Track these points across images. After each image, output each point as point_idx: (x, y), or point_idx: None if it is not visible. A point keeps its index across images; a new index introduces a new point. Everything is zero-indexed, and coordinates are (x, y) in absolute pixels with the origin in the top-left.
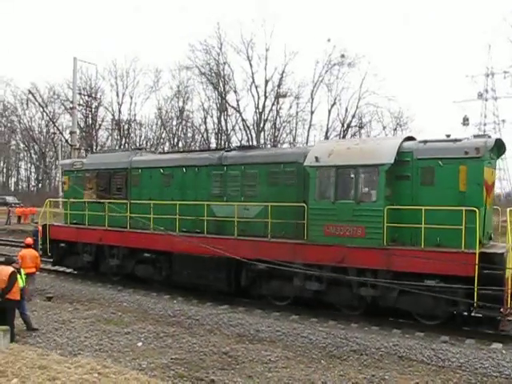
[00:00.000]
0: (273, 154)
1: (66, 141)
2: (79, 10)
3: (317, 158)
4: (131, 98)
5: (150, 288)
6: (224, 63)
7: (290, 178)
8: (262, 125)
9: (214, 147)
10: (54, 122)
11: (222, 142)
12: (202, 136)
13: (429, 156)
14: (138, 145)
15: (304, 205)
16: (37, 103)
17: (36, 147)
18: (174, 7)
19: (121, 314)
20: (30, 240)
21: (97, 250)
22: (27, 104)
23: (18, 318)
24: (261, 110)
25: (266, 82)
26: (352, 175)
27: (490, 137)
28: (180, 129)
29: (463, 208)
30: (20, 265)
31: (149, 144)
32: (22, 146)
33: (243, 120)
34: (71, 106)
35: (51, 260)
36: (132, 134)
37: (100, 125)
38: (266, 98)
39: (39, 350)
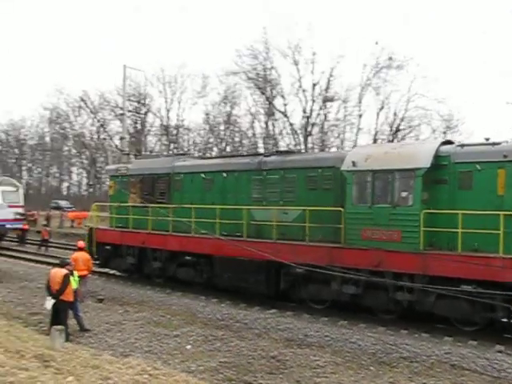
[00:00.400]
0: (311, 159)
1: (116, 146)
2: (128, 18)
3: (354, 163)
4: (179, 103)
5: (198, 291)
6: (271, 68)
7: (327, 182)
8: (309, 129)
9: (262, 152)
10: (104, 128)
11: (270, 147)
12: (250, 141)
13: (466, 160)
14: (186, 150)
15: (341, 209)
16: (88, 110)
17: (87, 153)
18: (221, 13)
19: (170, 317)
20: (82, 243)
21: (140, 253)
22: (79, 111)
23: (72, 319)
24: (308, 114)
25: (314, 85)
26: (389, 179)
27: None
28: (228, 134)
29: (501, 212)
30: (73, 267)
31: (196, 149)
32: (73, 151)
33: (291, 124)
34: (121, 112)
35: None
36: (180, 139)
37: (149, 130)
38: (313, 102)
39: (92, 350)
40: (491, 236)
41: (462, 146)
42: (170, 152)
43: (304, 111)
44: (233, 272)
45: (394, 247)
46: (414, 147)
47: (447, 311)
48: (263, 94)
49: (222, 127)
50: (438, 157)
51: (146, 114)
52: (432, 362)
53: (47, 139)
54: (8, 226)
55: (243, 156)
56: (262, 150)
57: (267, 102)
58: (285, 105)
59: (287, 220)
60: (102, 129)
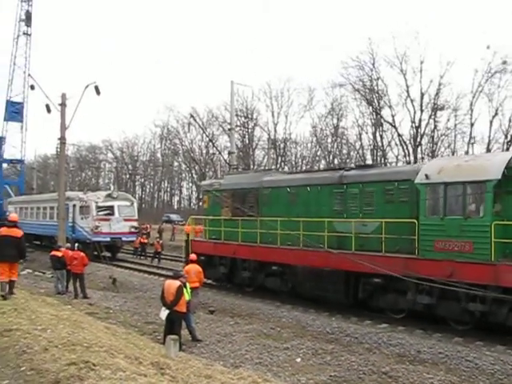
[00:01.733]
0: (388, 173)
1: (225, 160)
2: (235, 34)
3: (427, 176)
4: (286, 117)
5: (308, 305)
6: (377, 78)
7: (403, 195)
8: (418, 139)
9: (370, 163)
10: (213, 143)
11: (378, 159)
12: (358, 153)
13: None
14: (293, 163)
15: (415, 221)
16: (197, 126)
17: (197, 167)
18: (325, 26)
19: (280, 330)
20: (194, 256)
21: (231, 263)
22: (189, 127)
23: (184, 329)
24: (417, 124)
25: (422, 95)
26: (460, 191)
27: None
28: (335, 146)
29: None
30: (186, 279)
31: (304, 162)
32: (183, 166)
33: (399, 135)
34: (229, 127)
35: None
36: (288, 153)
37: (256, 144)
38: (422, 111)
39: (204, 360)
40: None
41: None
42: (278, 166)
43: (413, 121)
44: (314, 281)
45: (466, 258)
46: (485, 159)
47: None
48: (370, 105)
49: (329, 140)
50: (510, 168)
51: (253, 128)
52: None
53: (158, 155)
54: (124, 238)
55: (325, 170)
56: (369, 162)
57: (374, 113)
58: (393, 115)
59: (366, 232)
60: (210, 144)
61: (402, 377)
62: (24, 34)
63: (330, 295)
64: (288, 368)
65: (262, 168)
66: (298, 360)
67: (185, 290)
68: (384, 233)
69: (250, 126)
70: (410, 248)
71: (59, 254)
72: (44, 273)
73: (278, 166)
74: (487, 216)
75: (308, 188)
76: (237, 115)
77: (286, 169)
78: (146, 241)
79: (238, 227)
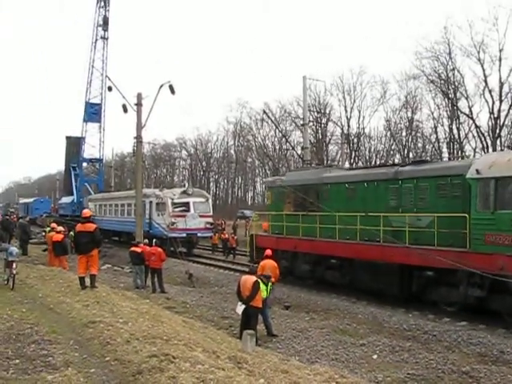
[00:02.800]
0: (441, 168)
1: (299, 156)
2: (304, 28)
3: (478, 171)
4: (359, 111)
5: (384, 301)
6: (453, 69)
7: (456, 189)
8: (497, 131)
9: (425, 159)
10: (286, 139)
11: (455, 152)
12: (433, 146)
13: None
14: (367, 158)
15: (466, 215)
16: (270, 122)
17: (270, 163)
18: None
19: (356, 326)
20: (269, 251)
21: (292, 257)
22: (262, 123)
23: (260, 324)
24: (496, 115)
25: (501, 84)
26: (510, 186)
27: None
28: (410, 139)
29: None
30: (271, 276)
31: (379, 156)
32: (257, 162)
33: (477, 127)
34: (302, 122)
35: None
36: (361, 147)
37: (330, 139)
38: (501, 101)
39: (280, 355)
40: None
41: None
42: (352, 161)
43: (491, 112)
44: (370, 274)
45: None
46: None
47: None
48: (446, 96)
49: (403, 133)
50: None
51: (326, 123)
52: None
53: (232, 152)
54: (199, 234)
55: (381, 166)
56: (446, 155)
57: (450, 105)
58: (470, 107)
59: (420, 226)
60: (283, 140)
61: (483, 377)
62: (101, 38)
63: (385, 288)
64: (364, 364)
65: (328, 164)
66: (375, 357)
67: (263, 285)
68: (437, 227)
69: (323, 121)
70: (462, 242)
71: (138, 249)
72: (123, 268)
73: (352, 160)
74: None
75: (365, 184)
76: (309, 110)
77: (361, 164)
78: (226, 236)
79: (298, 222)
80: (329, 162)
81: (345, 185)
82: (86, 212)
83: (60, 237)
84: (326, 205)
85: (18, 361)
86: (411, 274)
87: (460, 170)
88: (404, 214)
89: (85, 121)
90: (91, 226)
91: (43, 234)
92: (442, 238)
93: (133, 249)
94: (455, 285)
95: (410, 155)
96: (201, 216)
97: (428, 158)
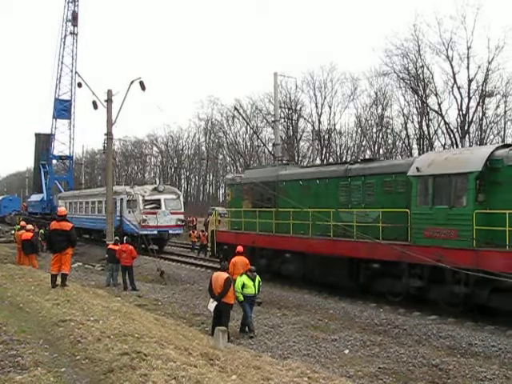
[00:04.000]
0: (386, 166)
1: (270, 152)
2: (276, 25)
3: (418, 169)
4: (330, 108)
5: (355, 296)
6: (422, 66)
7: (400, 186)
8: (466, 127)
9: (373, 157)
10: (257, 136)
11: (425, 148)
12: (403, 142)
13: None
14: (338, 154)
15: (407, 210)
16: (241, 118)
17: (241, 160)
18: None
19: (327, 321)
20: (240, 248)
21: (250, 251)
22: (233, 120)
23: (232, 320)
24: (464, 112)
25: (470, 81)
26: (446, 183)
27: None
28: (380, 136)
29: None
30: (231, 271)
31: (349, 153)
32: (228, 159)
33: (446, 123)
34: (273, 119)
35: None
36: (332, 144)
37: (301, 136)
38: (469, 98)
39: (252, 352)
40: None
41: None
42: (323, 157)
43: (460, 109)
44: (322, 267)
45: (452, 244)
46: (470, 152)
47: (502, 304)
48: (416, 93)
49: (374, 129)
50: (493, 160)
51: (297, 119)
52: None
53: (203, 148)
54: (171, 231)
55: (332, 164)
56: (416, 152)
57: (420, 102)
58: (439, 103)
59: (367, 221)
60: (255, 136)
61: (453, 370)
62: (71, 33)
63: (336, 280)
64: (336, 359)
65: (279, 161)
66: (347, 351)
67: (251, 283)
68: (382, 222)
69: (294, 118)
70: (405, 235)
71: (116, 247)
72: (93, 266)
73: (323, 157)
74: (469, 205)
75: (317, 181)
76: (280, 107)
77: (332, 160)
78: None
79: (256, 218)
80: (300, 158)
81: (299, 182)
82: (62, 210)
83: (29, 235)
84: (282, 201)
85: None
86: (359, 266)
87: (404, 167)
88: (352, 210)
89: (54, 117)
90: (67, 225)
91: (12, 232)
92: (388, 232)
93: (110, 246)
94: (399, 276)
95: (381, 151)
96: (172, 213)
97: (399, 155)
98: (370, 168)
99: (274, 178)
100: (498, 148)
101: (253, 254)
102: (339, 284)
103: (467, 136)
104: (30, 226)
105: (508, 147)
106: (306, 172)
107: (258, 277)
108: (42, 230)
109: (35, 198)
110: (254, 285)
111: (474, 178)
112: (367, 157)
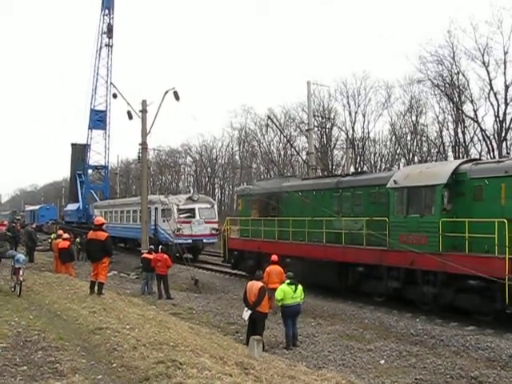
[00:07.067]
0: (372, 178)
1: (304, 161)
2: (308, 33)
3: (395, 181)
4: (363, 116)
5: (391, 306)
6: (457, 72)
7: (383, 197)
8: (503, 134)
9: (363, 171)
10: (291, 144)
11: (460, 155)
12: (438, 150)
13: (478, 176)
14: (372, 162)
15: (386, 219)
16: (275, 127)
17: (275, 169)
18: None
19: (362, 331)
20: (275, 257)
21: (258, 257)
22: (266, 129)
23: (267, 330)
24: (501, 119)
25: (506, 87)
26: (418, 194)
27: None
28: (415, 144)
29: (496, 220)
30: (266, 280)
31: (383, 161)
32: (262, 168)
33: (482, 130)
34: (307, 128)
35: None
36: (366, 152)
37: (335, 144)
38: (506, 104)
39: (287, 361)
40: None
41: (476, 163)
42: (357, 166)
43: (496, 115)
44: (316, 271)
45: (422, 249)
46: (441, 166)
47: (465, 303)
48: (451, 100)
49: (408, 137)
50: (459, 174)
51: (331, 128)
52: None
53: (237, 157)
54: (205, 240)
55: (326, 177)
56: (451, 159)
57: (455, 109)
58: (475, 110)
59: (356, 229)
60: (288, 145)
61: (493, 382)
62: (106, 45)
63: (327, 282)
64: (372, 370)
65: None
66: (382, 362)
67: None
68: (366, 229)
69: (327, 126)
70: (385, 242)
71: (151, 256)
72: (128, 274)
73: (357, 165)
74: (436, 214)
75: (314, 192)
76: (314, 115)
77: (366, 168)
78: None
79: (261, 226)
80: (334, 166)
81: (299, 193)
82: (99, 220)
83: (66, 244)
84: (284, 211)
85: (25, 367)
86: (347, 269)
87: (386, 180)
88: (342, 219)
89: (90, 128)
90: (103, 235)
91: (49, 240)
92: (373, 239)
93: (144, 255)
94: (381, 278)
95: (416, 159)
96: (206, 222)
97: (433, 162)
98: (358, 180)
99: (279, 190)
100: (463, 163)
101: (259, 259)
102: (330, 285)
103: (504, 143)
104: (66, 235)
105: (472, 162)
106: (305, 184)
107: (299, 285)
108: (78, 239)
109: (71, 207)
110: (296, 292)
111: (440, 189)
112: (402, 165)
